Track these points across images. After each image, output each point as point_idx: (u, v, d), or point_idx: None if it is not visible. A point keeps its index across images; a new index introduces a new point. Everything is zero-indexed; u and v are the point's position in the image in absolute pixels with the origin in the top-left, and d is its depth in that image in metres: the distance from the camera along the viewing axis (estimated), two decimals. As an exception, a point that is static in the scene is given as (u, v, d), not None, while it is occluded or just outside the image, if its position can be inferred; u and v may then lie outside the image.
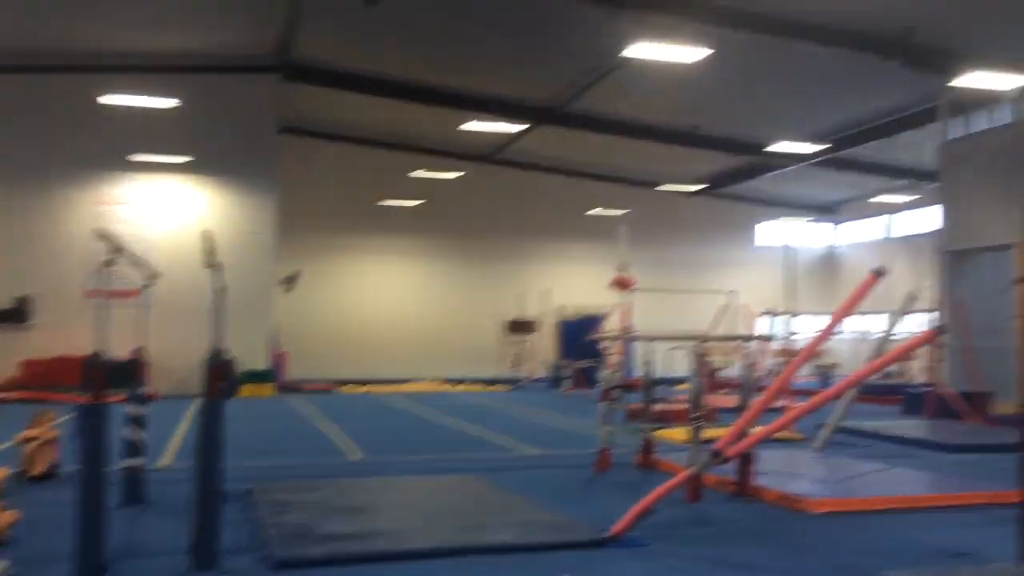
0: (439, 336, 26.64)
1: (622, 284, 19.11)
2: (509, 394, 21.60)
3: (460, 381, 23.97)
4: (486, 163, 26.12)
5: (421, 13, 15.17)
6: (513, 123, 20.63)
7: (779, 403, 10.84)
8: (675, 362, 11.57)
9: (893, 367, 22.27)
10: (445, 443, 11.97)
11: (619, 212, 25.89)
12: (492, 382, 24.26)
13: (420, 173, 25.23)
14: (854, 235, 30.95)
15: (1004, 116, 16.46)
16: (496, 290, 27.32)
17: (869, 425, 12.68)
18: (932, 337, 7.70)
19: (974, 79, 14.63)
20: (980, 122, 17.64)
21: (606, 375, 9.97)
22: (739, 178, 26.44)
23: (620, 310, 19.57)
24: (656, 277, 25.96)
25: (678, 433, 9.99)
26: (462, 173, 25.97)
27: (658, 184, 27.62)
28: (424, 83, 19.31)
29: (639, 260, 28.22)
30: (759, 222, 31.14)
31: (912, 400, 16.02)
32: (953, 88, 15.75)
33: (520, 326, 26.48)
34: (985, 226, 16.18)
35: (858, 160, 23.30)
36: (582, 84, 17.89)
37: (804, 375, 24.07)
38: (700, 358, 8.73)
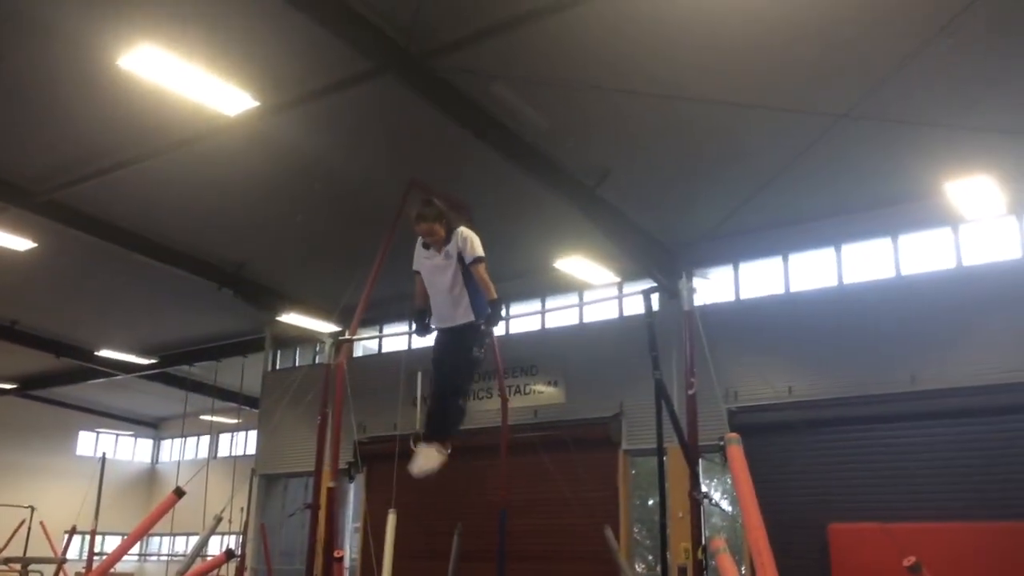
0: None
1: None
2: None
3: None
4: None
5: None
6: None
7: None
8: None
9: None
10: None
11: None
12: None
13: None
14: (178, 452, 30.66)
15: (322, 355, 18.52)
16: None
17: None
18: (224, 560, 7.82)
19: (294, 318, 16.40)
20: (303, 357, 19.57)
21: None
22: (60, 381, 24.48)
23: None
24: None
25: None
26: None
27: (-41, 377, 24.11)
28: None
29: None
30: (80, 430, 29.00)
31: (211, 627, 15.75)
32: (278, 322, 17.32)
33: None
34: (294, 453, 17.53)
35: (187, 378, 23.56)
36: None
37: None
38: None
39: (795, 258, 13.59)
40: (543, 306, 15.73)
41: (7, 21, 8.63)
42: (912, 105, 9.51)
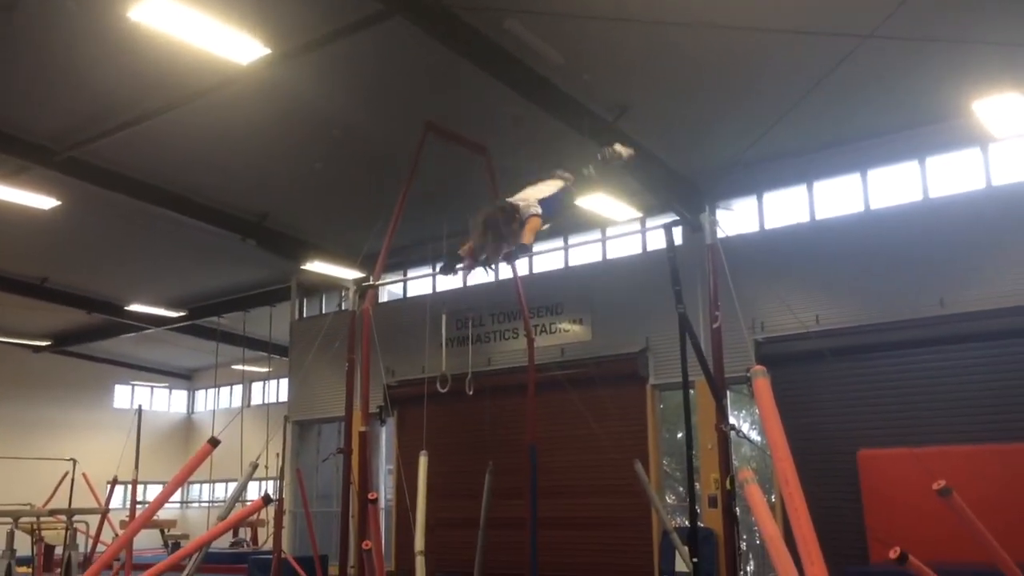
0: None
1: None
2: None
3: None
4: None
5: None
6: None
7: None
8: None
9: (243, 536, 22.51)
10: None
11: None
12: None
13: None
14: (212, 402, 31.24)
15: (347, 302, 18.63)
16: None
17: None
18: (261, 505, 7.98)
19: (318, 266, 16.48)
20: (329, 304, 19.71)
21: None
22: (93, 336, 24.91)
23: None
24: (-11, 441, 22.68)
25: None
26: None
27: (-4, 337, 24.62)
28: None
29: (-34, 422, 24.37)
30: (116, 384, 29.62)
31: (256, 567, 16.16)
32: (304, 271, 17.42)
33: None
34: (325, 399, 17.79)
35: (217, 329, 23.89)
36: None
37: (154, 548, 22.85)
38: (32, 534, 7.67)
39: (820, 185, 13.40)
40: (566, 244, 15.68)
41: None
42: (938, 22, 9.22)
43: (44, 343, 25.94)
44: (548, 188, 6.29)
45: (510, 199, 6.02)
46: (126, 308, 20.91)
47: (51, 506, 16.50)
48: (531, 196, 6.03)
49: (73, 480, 17.73)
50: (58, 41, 9.70)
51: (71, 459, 18.26)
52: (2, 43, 9.56)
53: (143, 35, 8.65)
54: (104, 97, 11.07)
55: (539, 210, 5.83)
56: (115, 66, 10.14)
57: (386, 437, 17.86)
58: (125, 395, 30.04)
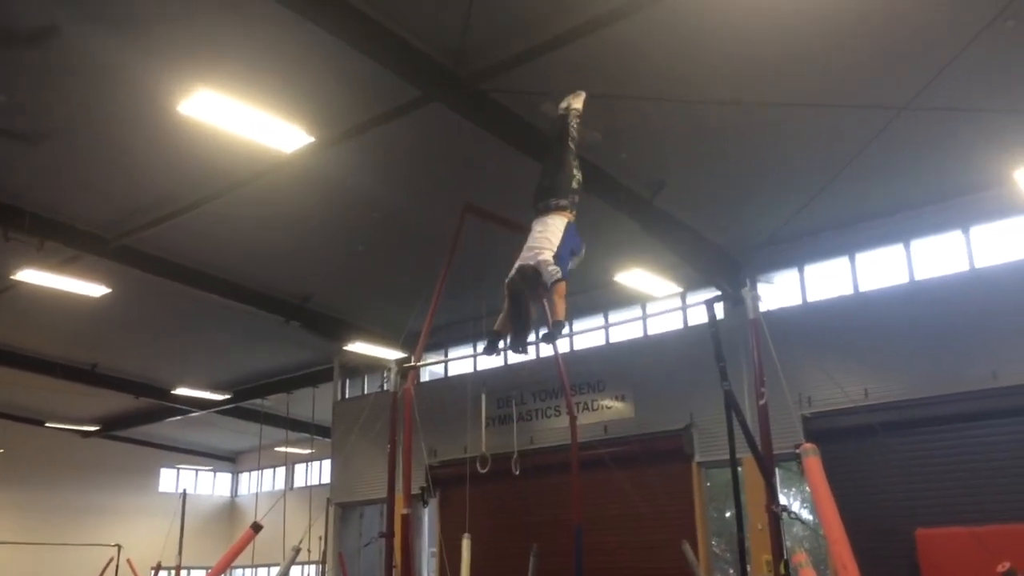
0: None
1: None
2: None
3: None
4: None
5: None
6: None
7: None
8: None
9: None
10: None
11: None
12: None
13: None
14: (256, 484, 31.20)
15: (389, 382, 18.69)
16: None
17: None
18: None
19: (360, 347, 16.61)
20: (371, 384, 19.76)
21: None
22: (140, 420, 25.20)
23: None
24: (36, 525, 22.78)
25: None
26: None
27: (45, 422, 24.93)
28: None
29: (15, 506, 24.53)
30: (161, 467, 29.79)
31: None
32: (346, 352, 17.54)
33: None
34: (368, 481, 17.67)
35: (260, 411, 24.02)
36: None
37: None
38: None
39: (863, 257, 13.25)
40: (606, 321, 15.63)
41: (77, 77, 8.96)
42: (975, 92, 9.21)
43: (93, 428, 26.25)
44: (556, 229, 5.87)
45: (527, 253, 5.75)
46: (172, 392, 21.18)
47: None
48: (546, 249, 5.69)
49: (118, 566, 17.72)
50: (111, 135, 10.10)
51: (116, 545, 18.30)
52: (55, 136, 9.97)
53: (191, 126, 8.96)
54: (154, 187, 11.42)
55: (560, 274, 5.52)
56: (165, 157, 10.48)
57: (428, 519, 17.63)
58: (170, 478, 30.18)
